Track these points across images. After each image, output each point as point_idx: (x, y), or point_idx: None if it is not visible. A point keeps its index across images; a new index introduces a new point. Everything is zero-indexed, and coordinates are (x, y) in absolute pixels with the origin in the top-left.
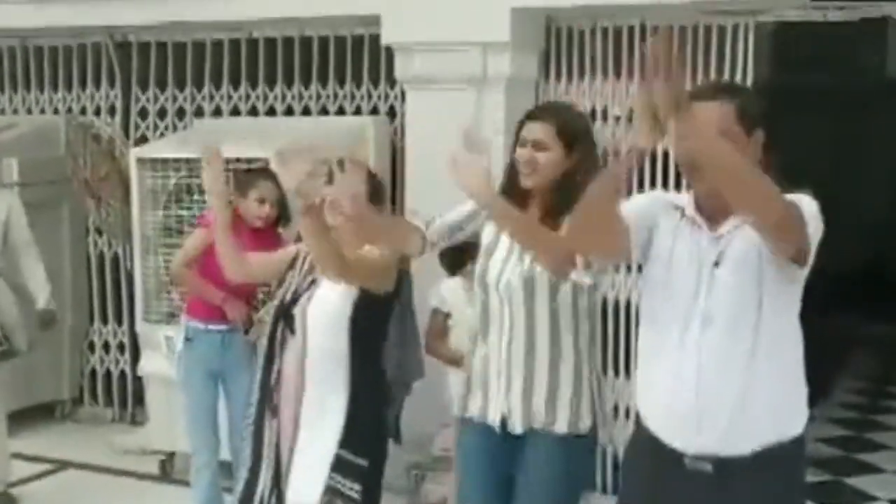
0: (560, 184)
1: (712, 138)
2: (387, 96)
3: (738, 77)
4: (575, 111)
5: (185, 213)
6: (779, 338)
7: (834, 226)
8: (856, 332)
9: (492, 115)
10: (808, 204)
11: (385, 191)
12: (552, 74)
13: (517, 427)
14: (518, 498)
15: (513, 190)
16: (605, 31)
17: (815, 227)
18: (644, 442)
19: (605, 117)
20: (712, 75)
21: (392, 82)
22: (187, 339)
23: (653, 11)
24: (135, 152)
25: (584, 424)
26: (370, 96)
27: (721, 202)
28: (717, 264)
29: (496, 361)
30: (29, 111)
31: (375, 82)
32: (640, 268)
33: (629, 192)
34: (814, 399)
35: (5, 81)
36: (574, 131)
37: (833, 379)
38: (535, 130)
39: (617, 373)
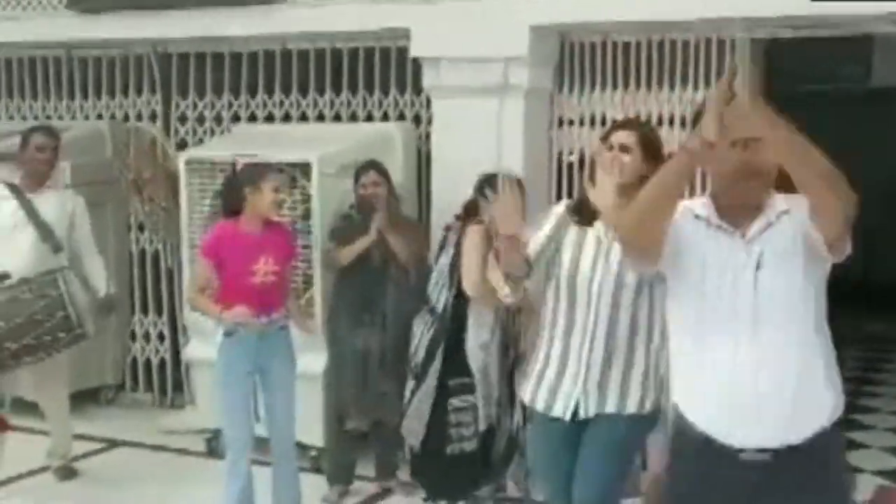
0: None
1: (791, 131)
2: (412, 104)
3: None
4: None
5: None
6: (821, 326)
7: None
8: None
9: (511, 121)
10: None
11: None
12: (565, 85)
13: (591, 412)
14: (580, 464)
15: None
16: (614, 46)
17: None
18: (690, 442)
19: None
20: (712, 87)
21: (417, 91)
22: (226, 335)
23: (656, 28)
24: (183, 155)
25: (647, 406)
26: (396, 104)
27: (748, 207)
28: (758, 267)
29: (574, 362)
30: (73, 117)
31: (401, 91)
32: None
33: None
34: None
35: (51, 89)
36: None
37: None
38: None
39: None
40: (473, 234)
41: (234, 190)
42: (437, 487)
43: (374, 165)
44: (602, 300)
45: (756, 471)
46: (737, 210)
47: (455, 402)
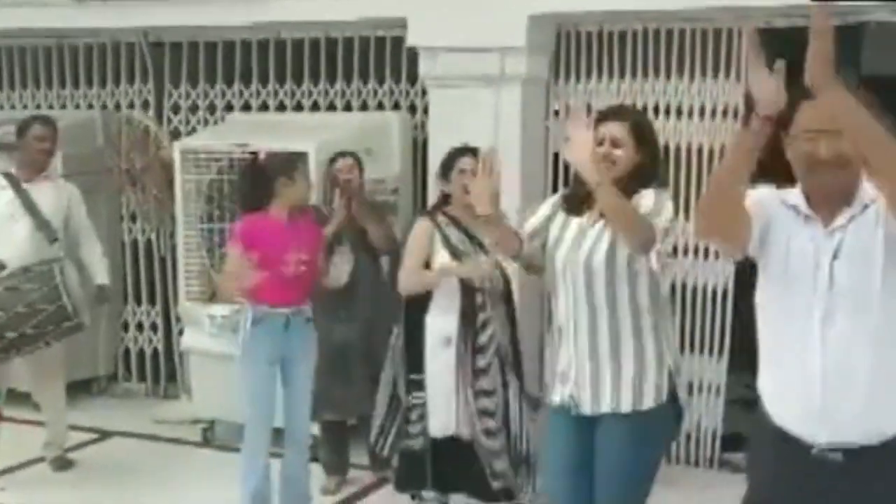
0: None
1: (856, 105)
2: (407, 93)
3: (732, 77)
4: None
5: (225, 202)
6: None
7: None
8: None
9: (508, 111)
10: None
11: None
12: (562, 75)
13: (586, 409)
14: (596, 481)
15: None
16: (610, 35)
17: None
18: (767, 434)
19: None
20: (708, 77)
21: (412, 80)
22: (253, 323)
23: (652, 17)
24: (178, 144)
25: (647, 402)
26: (391, 93)
27: (836, 198)
28: (835, 257)
29: (567, 350)
30: (64, 106)
31: (396, 80)
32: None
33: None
34: None
35: (42, 78)
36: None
37: None
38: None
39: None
40: (417, 231)
41: (263, 181)
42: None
43: (350, 153)
44: (577, 289)
45: (829, 471)
46: (824, 200)
47: (411, 398)
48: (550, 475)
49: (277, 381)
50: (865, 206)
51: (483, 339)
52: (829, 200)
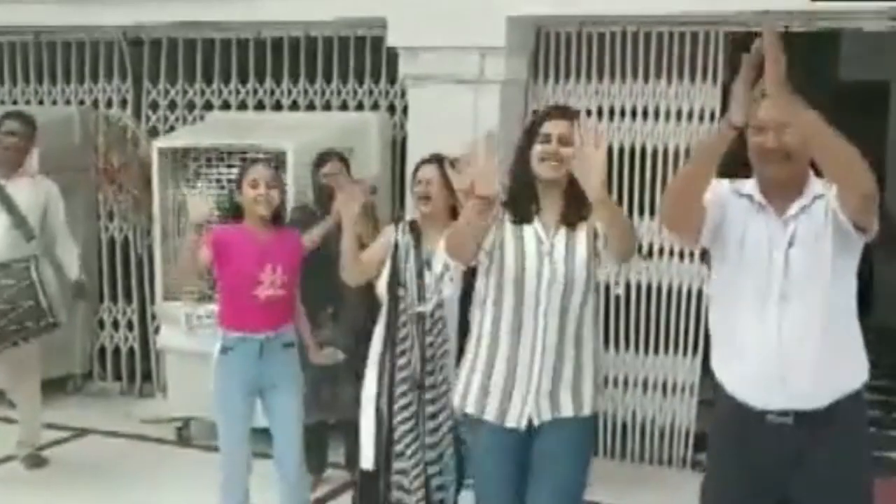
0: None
1: (816, 118)
2: (387, 93)
3: (708, 80)
4: None
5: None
6: (846, 303)
7: None
8: None
9: (487, 111)
10: None
11: None
12: (541, 76)
13: (546, 416)
14: (540, 480)
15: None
16: (589, 37)
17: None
18: (725, 408)
19: (588, 115)
20: (685, 80)
21: (392, 80)
22: (223, 350)
23: (631, 20)
24: (156, 143)
25: (599, 405)
26: (371, 93)
27: (787, 189)
28: (790, 245)
29: (525, 367)
30: (41, 102)
31: (376, 80)
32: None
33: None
34: None
35: (18, 74)
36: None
37: None
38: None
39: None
40: (381, 236)
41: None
42: None
43: (336, 154)
44: (550, 306)
45: (781, 435)
46: (776, 191)
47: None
48: (495, 494)
49: (254, 409)
50: (815, 198)
51: (402, 361)
52: (781, 190)
